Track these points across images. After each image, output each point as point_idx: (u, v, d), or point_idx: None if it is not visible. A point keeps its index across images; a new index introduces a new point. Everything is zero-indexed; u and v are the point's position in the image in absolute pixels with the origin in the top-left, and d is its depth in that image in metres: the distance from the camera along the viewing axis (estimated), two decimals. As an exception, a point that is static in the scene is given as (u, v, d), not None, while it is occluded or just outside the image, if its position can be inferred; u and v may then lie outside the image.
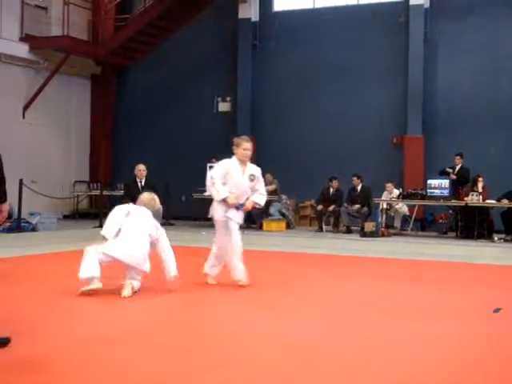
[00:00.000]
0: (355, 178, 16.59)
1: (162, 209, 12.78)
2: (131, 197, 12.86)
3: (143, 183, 13.11)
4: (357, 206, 16.20)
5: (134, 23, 19.97)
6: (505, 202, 14.72)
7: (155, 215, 7.40)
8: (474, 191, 15.02)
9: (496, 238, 14.56)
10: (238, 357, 4.63)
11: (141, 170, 13.11)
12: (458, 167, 15.95)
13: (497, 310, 6.36)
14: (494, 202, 14.95)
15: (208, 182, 7.87)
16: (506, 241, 14.50)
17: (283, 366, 4.43)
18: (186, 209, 18.94)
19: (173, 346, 4.87)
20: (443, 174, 15.86)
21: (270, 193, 17.05)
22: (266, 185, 17.13)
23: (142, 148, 20.18)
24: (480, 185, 15.09)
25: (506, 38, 17.19)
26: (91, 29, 21.36)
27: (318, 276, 8.94)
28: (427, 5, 17.85)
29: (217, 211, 7.81)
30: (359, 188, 16.62)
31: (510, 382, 4.20)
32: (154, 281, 7.08)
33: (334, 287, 7.95)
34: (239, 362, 4.48)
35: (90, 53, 20.36)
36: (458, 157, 15.93)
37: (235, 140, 8.12)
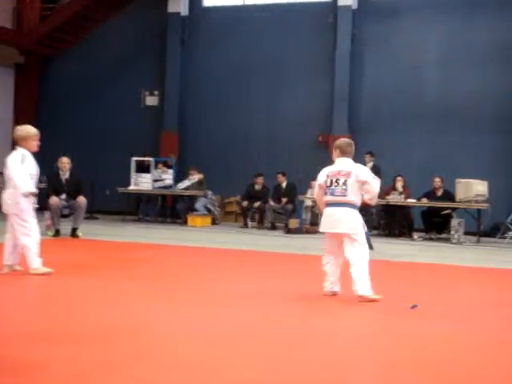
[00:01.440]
0: (280, 175, 16.74)
1: (85, 202, 12.72)
2: (54, 190, 12.71)
3: (67, 176, 12.90)
4: (284, 200, 16.34)
5: (61, 13, 19.60)
6: (424, 201, 15.12)
7: None
8: (395, 190, 15.38)
9: (416, 237, 14.92)
10: (152, 353, 4.62)
11: (64, 162, 12.87)
12: (368, 165, 16.31)
13: (414, 306, 6.53)
14: (414, 201, 15.33)
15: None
16: (425, 239, 14.88)
17: (200, 361, 4.46)
18: (110, 203, 18.72)
19: (87, 342, 4.83)
20: None
21: (197, 183, 17.05)
22: (193, 183, 17.22)
23: (66, 140, 19.82)
24: (399, 184, 15.46)
25: (431, 41, 17.62)
26: (16, 17, 20.83)
27: (238, 271, 8.99)
28: (355, 6, 18.13)
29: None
30: (284, 185, 16.77)
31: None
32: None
33: (255, 283, 8.00)
34: (149, 359, 4.48)
35: (14, 41, 19.87)
36: (368, 155, 16.30)
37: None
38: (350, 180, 6.86)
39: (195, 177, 17.07)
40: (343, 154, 7.05)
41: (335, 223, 6.84)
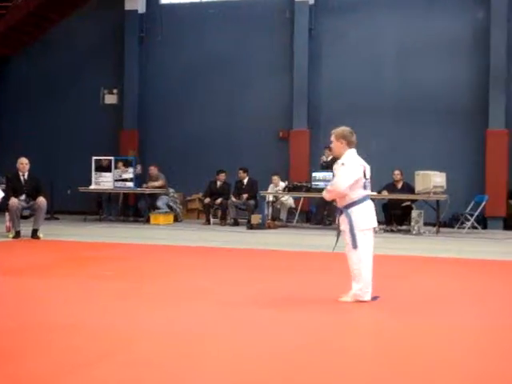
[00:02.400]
0: (241, 172, 16.77)
1: (45, 203, 12.61)
2: (14, 190, 12.57)
3: (26, 177, 12.77)
4: (244, 196, 16.38)
5: (16, 12, 19.30)
6: (385, 193, 15.29)
7: None
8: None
9: (377, 229, 15.01)
10: (116, 352, 4.63)
11: (23, 163, 12.74)
12: (329, 158, 16.54)
13: (375, 298, 6.62)
14: (375, 193, 15.47)
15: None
16: (386, 231, 15.05)
17: (164, 359, 4.48)
18: (72, 203, 18.55)
19: (48, 342, 4.82)
20: (324, 167, 16.31)
21: (156, 188, 17.04)
22: (151, 179, 17.19)
23: (25, 141, 19.58)
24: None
25: (386, 35, 17.78)
26: (-31, 16, 20.50)
27: (202, 268, 9.02)
28: (312, 1, 18.21)
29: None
30: (245, 181, 16.81)
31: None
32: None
33: (218, 279, 8.04)
34: (113, 358, 4.49)
35: (-32, 41, 19.55)
36: (328, 150, 16.47)
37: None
38: (367, 173, 6.75)
39: (154, 183, 17.02)
40: (351, 144, 6.72)
41: (375, 217, 6.74)
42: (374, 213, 6.75)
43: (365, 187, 6.68)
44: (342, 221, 6.66)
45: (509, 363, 4.51)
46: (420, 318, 5.91)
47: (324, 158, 16.57)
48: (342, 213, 6.67)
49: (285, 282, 7.89)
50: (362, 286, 6.52)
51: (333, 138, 6.75)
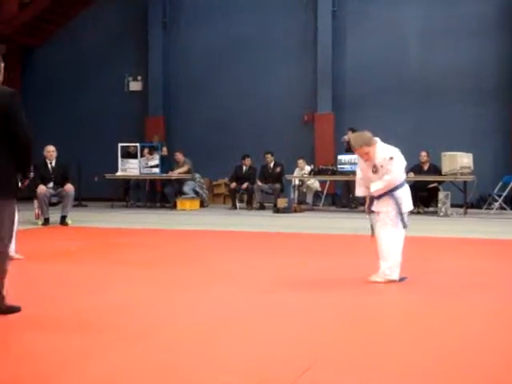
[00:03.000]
0: (269, 156, 16.77)
1: (73, 189, 12.74)
2: (42, 178, 12.70)
3: (53, 164, 12.89)
4: (267, 186, 16.43)
5: (40, 1, 19.44)
6: (411, 175, 15.17)
7: None
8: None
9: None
10: (149, 335, 4.69)
11: (50, 151, 12.86)
12: (271, 164, 16.79)
13: (402, 279, 6.62)
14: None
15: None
16: (412, 213, 14.93)
17: (195, 343, 4.53)
18: (99, 190, 18.69)
19: (78, 327, 4.89)
20: (347, 150, 16.27)
21: (182, 173, 17.11)
22: (178, 165, 17.25)
23: (52, 129, 19.75)
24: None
25: (410, 15, 17.63)
26: (-6, 6, 20.66)
27: (231, 252, 9.06)
28: (335, -17, 18.10)
29: None
30: (272, 165, 16.81)
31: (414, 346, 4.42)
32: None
33: (247, 263, 8.08)
34: (149, 340, 4.55)
35: (-6, 31, 19.71)
36: (350, 131, 16.46)
37: None
38: None
39: (179, 170, 17.06)
40: (373, 140, 6.68)
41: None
42: (410, 196, 6.91)
43: (405, 171, 6.90)
44: (382, 204, 6.68)
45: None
46: (447, 298, 5.90)
47: (346, 138, 16.50)
48: (379, 197, 6.69)
49: (313, 264, 7.91)
50: (392, 265, 6.56)
51: (366, 150, 6.63)
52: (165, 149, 17.93)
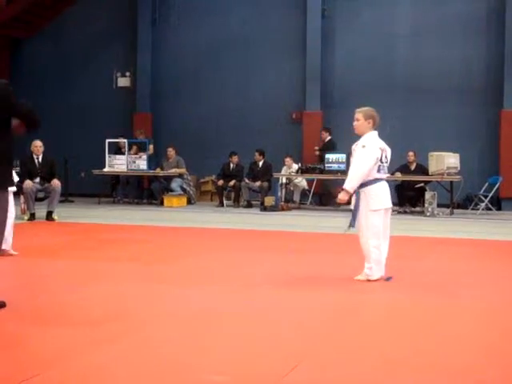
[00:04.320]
0: (257, 154, 16.76)
1: (60, 185, 12.70)
2: (28, 173, 12.65)
3: (40, 159, 12.84)
4: (257, 184, 16.39)
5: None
6: (398, 175, 15.25)
7: None
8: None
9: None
10: (133, 331, 4.68)
11: (37, 146, 12.82)
12: (326, 140, 16.84)
13: (388, 279, 6.64)
14: (388, 175, 15.41)
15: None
16: (399, 212, 15.02)
17: (181, 339, 4.52)
18: (85, 185, 18.63)
19: (66, 322, 4.88)
20: (322, 149, 16.73)
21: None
22: (168, 160, 17.21)
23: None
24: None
25: (400, 14, 17.64)
26: (-19, 0, 20.53)
27: (217, 250, 9.06)
28: (324, -19, 18.10)
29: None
30: (261, 163, 16.81)
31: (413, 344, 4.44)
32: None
33: (234, 260, 8.08)
34: (134, 337, 4.54)
35: (-20, 24, 19.59)
36: (324, 131, 17.01)
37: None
38: (388, 156, 6.79)
39: (176, 170, 17.02)
40: (375, 126, 6.75)
41: (389, 198, 6.76)
42: (387, 194, 6.76)
43: (379, 170, 6.67)
44: (357, 200, 6.66)
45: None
46: (432, 297, 5.93)
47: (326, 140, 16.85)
48: (354, 192, 6.67)
49: (300, 262, 7.92)
50: (372, 265, 6.55)
51: (360, 117, 6.74)
52: (151, 147, 17.86)
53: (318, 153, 16.88)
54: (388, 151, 6.79)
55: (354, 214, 6.65)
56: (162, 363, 3.95)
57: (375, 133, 6.76)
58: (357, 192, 6.63)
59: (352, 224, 6.66)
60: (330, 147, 16.72)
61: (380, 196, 6.67)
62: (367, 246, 6.56)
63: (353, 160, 6.72)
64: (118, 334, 4.56)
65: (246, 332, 4.69)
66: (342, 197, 6.62)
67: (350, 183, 6.57)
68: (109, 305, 5.49)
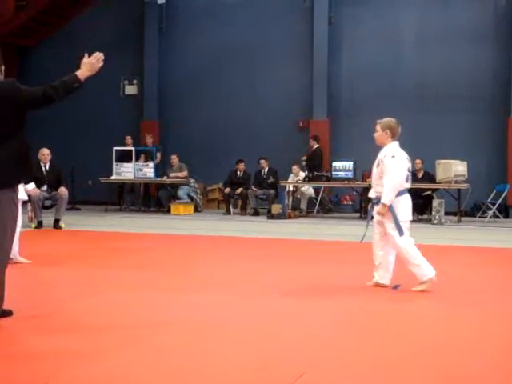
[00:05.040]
0: (263, 161, 16.78)
1: (67, 193, 12.72)
2: (35, 181, 12.66)
3: (47, 167, 12.87)
4: (262, 191, 16.47)
5: (36, 2, 19.41)
6: (406, 183, 15.20)
7: None
8: (376, 173, 15.43)
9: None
10: (141, 340, 4.67)
11: (45, 154, 12.86)
12: (314, 148, 16.92)
13: (396, 287, 6.62)
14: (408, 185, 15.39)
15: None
16: (407, 221, 14.96)
17: (189, 347, 4.51)
18: (92, 193, 18.65)
19: (74, 330, 4.87)
20: (307, 159, 16.86)
21: (180, 178, 17.11)
22: (172, 168, 17.23)
23: (47, 132, 19.69)
24: (381, 167, 15.54)
25: (406, 22, 17.64)
26: (-10, 8, 20.61)
27: (224, 258, 9.05)
28: (331, -11, 18.11)
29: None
30: (266, 171, 16.82)
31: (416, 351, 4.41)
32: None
33: (241, 268, 8.06)
34: (139, 346, 4.53)
35: (-11, 33, 19.67)
36: (312, 139, 16.99)
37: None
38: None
39: (178, 174, 17.06)
40: (395, 136, 6.75)
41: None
42: (411, 206, 6.76)
43: (407, 180, 6.68)
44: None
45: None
46: (439, 306, 5.90)
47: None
48: (376, 204, 6.63)
49: (307, 270, 7.89)
50: (419, 264, 6.51)
51: (378, 128, 6.80)
52: (159, 155, 17.88)
53: (304, 163, 16.87)
54: (409, 160, 6.76)
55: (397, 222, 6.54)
56: (169, 371, 3.95)
57: (396, 143, 6.78)
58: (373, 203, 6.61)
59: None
60: (316, 156, 16.77)
61: (407, 207, 6.68)
62: (408, 254, 6.53)
63: (383, 171, 6.60)
64: (125, 342, 4.55)
65: (253, 340, 4.68)
66: (381, 210, 6.56)
67: (388, 196, 6.49)
68: (116, 313, 5.49)
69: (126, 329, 4.91)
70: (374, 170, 6.78)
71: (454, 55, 17.16)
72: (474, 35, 17.06)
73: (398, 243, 6.55)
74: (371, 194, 6.86)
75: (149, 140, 18.26)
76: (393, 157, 6.57)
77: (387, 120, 6.83)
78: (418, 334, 4.94)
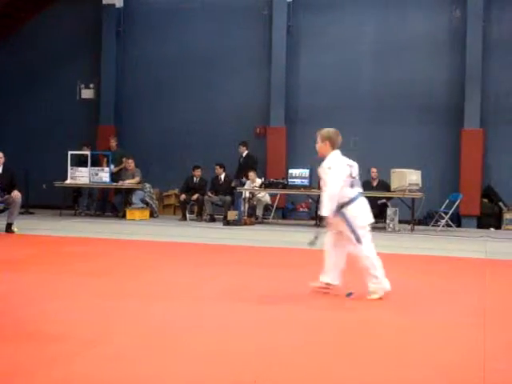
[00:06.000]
0: (218, 167, 16.79)
1: (20, 196, 12.54)
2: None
3: (0, 170, 12.67)
4: (218, 198, 16.45)
5: (-8, 4, 19.16)
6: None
7: None
8: (332, 181, 15.55)
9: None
10: (95, 346, 4.64)
11: (-2, 156, 12.66)
12: (244, 154, 17.13)
13: (349, 294, 6.67)
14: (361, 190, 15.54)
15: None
16: (361, 228, 15.12)
17: (144, 353, 4.49)
18: (47, 197, 18.43)
19: (25, 338, 4.81)
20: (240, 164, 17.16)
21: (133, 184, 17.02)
22: (127, 173, 17.13)
23: (0, 134, 19.44)
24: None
25: (364, 33, 17.86)
26: None
27: (179, 264, 9.02)
28: (288, -2, 18.25)
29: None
30: (222, 177, 16.83)
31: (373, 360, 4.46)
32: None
33: (195, 275, 8.05)
34: (95, 351, 4.50)
35: None
36: (241, 145, 17.24)
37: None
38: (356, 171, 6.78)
39: (131, 181, 16.95)
40: (335, 146, 6.71)
41: (370, 213, 6.76)
42: (368, 209, 6.78)
43: (352, 185, 6.68)
44: (337, 222, 6.61)
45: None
46: (387, 314, 5.97)
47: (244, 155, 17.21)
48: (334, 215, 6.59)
49: (261, 277, 7.91)
50: (377, 274, 6.58)
51: (318, 139, 6.79)
52: (125, 159, 17.64)
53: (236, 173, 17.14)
54: (355, 166, 6.80)
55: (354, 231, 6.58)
56: (121, 379, 3.92)
57: (337, 152, 6.75)
58: (339, 213, 6.58)
59: (314, 242, 6.63)
60: (249, 161, 16.96)
61: (361, 213, 6.68)
62: (369, 261, 6.60)
63: (322, 184, 6.67)
64: (76, 349, 4.50)
65: (201, 348, 4.67)
66: (326, 224, 6.63)
67: (325, 208, 6.52)
68: (69, 320, 5.42)
69: (77, 336, 4.86)
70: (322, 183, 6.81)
71: (410, 66, 17.43)
72: (429, 48, 17.36)
73: (358, 251, 6.62)
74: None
75: (113, 143, 18.09)
76: (329, 168, 6.61)
77: (326, 130, 6.83)
78: (360, 343, 4.99)
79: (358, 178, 6.82)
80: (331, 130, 6.86)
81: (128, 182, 16.94)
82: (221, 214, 16.33)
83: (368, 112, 17.74)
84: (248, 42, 18.65)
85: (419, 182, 15.10)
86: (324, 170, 6.65)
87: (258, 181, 16.60)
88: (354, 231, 6.56)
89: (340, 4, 18.07)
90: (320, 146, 6.77)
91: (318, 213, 6.67)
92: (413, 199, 15.09)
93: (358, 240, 6.57)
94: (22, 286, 6.92)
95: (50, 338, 4.79)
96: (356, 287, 6.77)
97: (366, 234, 6.66)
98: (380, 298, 6.56)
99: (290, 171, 16.21)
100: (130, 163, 17.16)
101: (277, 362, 4.36)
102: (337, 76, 17.95)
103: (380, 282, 6.61)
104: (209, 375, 4.04)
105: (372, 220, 6.81)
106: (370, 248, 6.67)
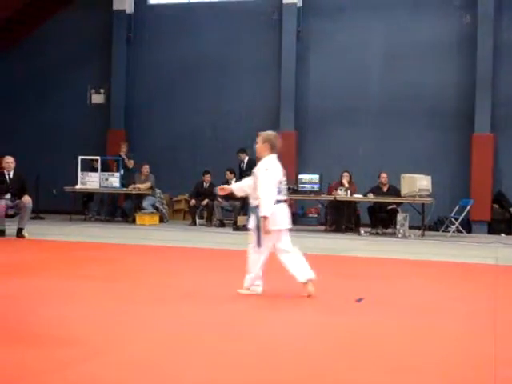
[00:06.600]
0: (228, 173, 16.78)
1: (31, 201, 12.57)
2: (-1, 189, 12.51)
3: (11, 176, 12.72)
4: (228, 203, 16.40)
5: (2, 9, 19.24)
6: (370, 196, 15.35)
7: None
8: (341, 186, 15.56)
9: (362, 232, 15.14)
10: (105, 352, 4.64)
11: (8, 162, 12.68)
12: (245, 160, 16.90)
13: (359, 300, 6.66)
14: (360, 196, 15.55)
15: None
16: (371, 234, 15.11)
17: (153, 359, 4.49)
18: (57, 202, 18.49)
19: (38, 342, 4.82)
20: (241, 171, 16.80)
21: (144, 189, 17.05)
22: (141, 177, 17.17)
23: (10, 139, 19.53)
24: (346, 180, 15.68)
25: (373, 38, 17.86)
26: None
27: (189, 269, 9.01)
28: (300, 4, 18.25)
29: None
30: (233, 182, 16.80)
31: (378, 365, 4.43)
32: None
33: (206, 279, 8.04)
34: (102, 359, 4.49)
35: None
36: (240, 153, 16.96)
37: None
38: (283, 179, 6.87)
39: (140, 186, 17.01)
40: (274, 149, 6.82)
41: (285, 220, 6.80)
42: (284, 216, 6.80)
43: (279, 192, 6.77)
44: (252, 219, 6.75)
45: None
46: (395, 319, 5.94)
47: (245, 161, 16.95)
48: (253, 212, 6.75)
49: (270, 281, 7.89)
50: (253, 279, 6.79)
51: (259, 140, 6.88)
52: (132, 162, 17.73)
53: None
54: (283, 174, 6.88)
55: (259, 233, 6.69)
56: (135, 381, 3.92)
57: (274, 156, 6.83)
58: (254, 211, 6.71)
59: (259, 244, 6.72)
60: (253, 166, 16.80)
61: (278, 216, 6.72)
62: (254, 264, 6.80)
63: (257, 183, 6.72)
64: (88, 354, 4.50)
65: (215, 352, 4.66)
66: (265, 224, 6.61)
67: (266, 208, 6.57)
68: (80, 325, 5.42)
69: (89, 341, 4.86)
70: (250, 182, 6.92)
71: (419, 71, 17.40)
72: (439, 51, 17.33)
73: (253, 251, 6.78)
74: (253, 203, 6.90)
75: (124, 148, 18.09)
76: (266, 170, 6.69)
77: (268, 133, 6.90)
78: (355, 348, 4.96)
79: (284, 184, 6.89)
80: (273, 133, 6.97)
81: (140, 187, 16.96)
82: (231, 220, 16.32)
83: (377, 116, 17.72)
84: (258, 47, 18.67)
85: (429, 187, 15.05)
86: (261, 171, 6.75)
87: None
88: (259, 234, 6.65)
89: (349, 8, 18.07)
90: (260, 146, 6.86)
91: (260, 215, 6.66)
92: (423, 205, 15.04)
93: (259, 243, 6.68)
94: (33, 290, 6.93)
95: (61, 342, 4.78)
96: (364, 293, 6.74)
97: (268, 237, 6.65)
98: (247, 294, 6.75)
99: (300, 176, 16.19)
100: (145, 168, 17.21)
101: (290, 365, 4.35)
102: (346, 80, 17.95)
103: (253, 283, 6.79)
104: (223, 381, 4.02)
105: (282, 227, 6.79)
106: (263, 252, 6.74)
